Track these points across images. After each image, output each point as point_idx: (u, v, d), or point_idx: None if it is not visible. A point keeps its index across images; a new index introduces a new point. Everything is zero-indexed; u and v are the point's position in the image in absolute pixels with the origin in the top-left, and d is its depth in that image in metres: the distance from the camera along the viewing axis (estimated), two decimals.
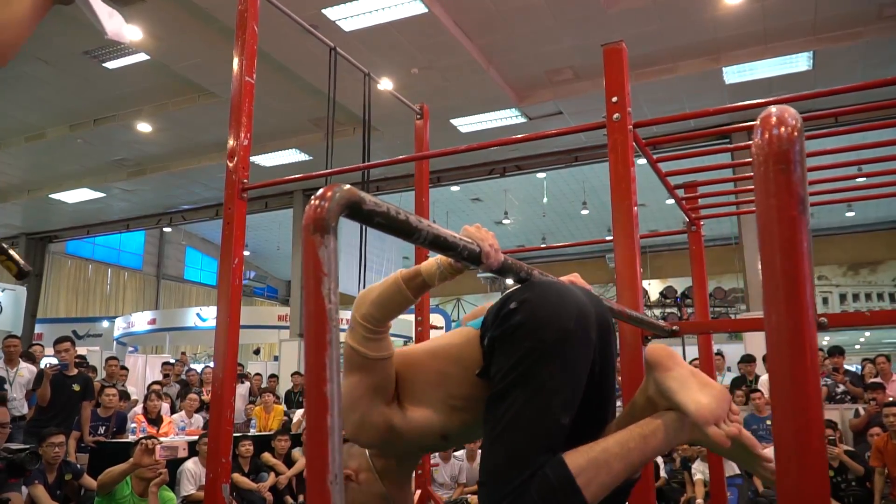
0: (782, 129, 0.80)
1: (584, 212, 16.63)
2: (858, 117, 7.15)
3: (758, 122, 0.82)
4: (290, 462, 6.66)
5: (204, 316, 15.22)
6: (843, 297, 20.19)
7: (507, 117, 9.93)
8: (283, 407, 8.62)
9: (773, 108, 0.82)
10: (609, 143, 2.77)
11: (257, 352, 19.51)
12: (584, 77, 8.95)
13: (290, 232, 14.16)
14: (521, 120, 9.99)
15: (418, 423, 1.51)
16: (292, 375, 10.18)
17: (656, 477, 6.36)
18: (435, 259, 1.48)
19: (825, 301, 19.93)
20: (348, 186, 0.99)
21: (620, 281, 2.57)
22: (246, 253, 19.92)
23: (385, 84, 8.57)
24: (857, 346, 22.65)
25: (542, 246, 18.39)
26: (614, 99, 2.84)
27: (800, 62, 8.36)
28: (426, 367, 1.56)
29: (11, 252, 1.27)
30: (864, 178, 4.05)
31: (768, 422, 6.77)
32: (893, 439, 5.14)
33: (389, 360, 1.51)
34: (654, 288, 20.40)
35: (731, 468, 6.09)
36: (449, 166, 11.47)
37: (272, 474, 6.40)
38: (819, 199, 4.16)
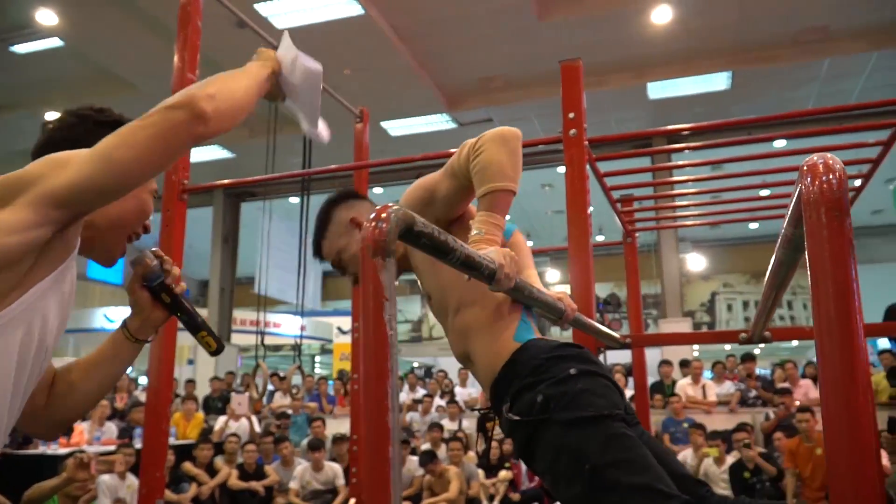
0: (831, 176, 0.82)
1: (506, 217, 16.85)
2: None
3: (805, 168, 0.83)
4: (212, 472, 6.43)
5: (112, 317, 14.53)
6: (745, 304, 21.26)
7: (438, 122, 9.96)
8: (202, 414, 8.33)
9: (816, 157, 0.84)
10: (566, 158, 2.81)
11: None
12: (515, 86, 9.07)
13: (203, 230, 13.69)
14: (452, 126, 10.04)
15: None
16: (211, 381, 9.85)
17: None
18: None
19: (729, 307, 20.92)
20: (403, 208, 0.97)
21: (576, 291, 2.61)
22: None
23: None
24: (757, 351, 23.88)
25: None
26: (571, 115, 2.88)
27: (719, 81, 8.76)
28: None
29: (212, 330, 1.24)
30: (767, 191, 4.25)
31: (685, 425, 7.04)
32: (805, 442, 5.42)
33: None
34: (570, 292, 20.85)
35: None
36: (377, 169, 11.37)
37: (194, 485, 6.17)
38: (726, 207, 4.38)
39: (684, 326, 9.74)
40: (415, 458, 6.58)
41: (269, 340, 17.12)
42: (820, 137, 4.52)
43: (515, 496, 6.50)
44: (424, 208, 1.55)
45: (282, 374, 9.33)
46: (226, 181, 3.59)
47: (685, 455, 6.34)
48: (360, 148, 5.00)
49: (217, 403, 9.24)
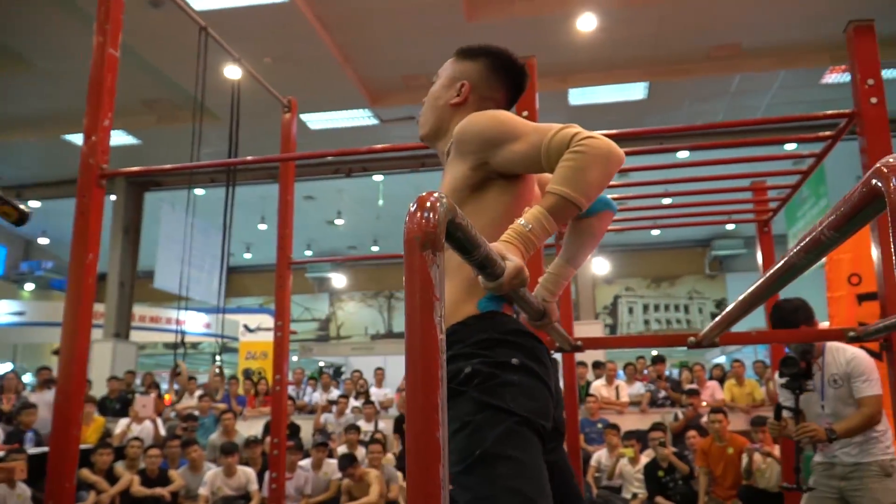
0: None
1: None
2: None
3: (885, 169, 0.79)
4: (112, 478, 6.03)
5: None
6: (645, 308, 22.13)
7: (359, 117, 9.77)
8: (102, 417, 7.82)
9: (892, 159, 0.80)
10: None
11: (56, 352, 17.67)
12: None
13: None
14: (373, 122, 9.88)
15: (457, 173, 1.50)
16: (109, 380, 9.27)
17: None
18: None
19: (630, 311, 21.71)
20: (446, 198, 0.88)
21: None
22: (44, 241, 17.98)
23: (232, 71, 8.08)
24: (655, 353, 24.95)
25: (386, 254, 18.30)
26: (525, 113, 2.84)
27: (636, 91, 9.01)
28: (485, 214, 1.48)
29: (9, 199, 1.04)
30: (669, 200, 4.38)
31: (599, 425, 7.19)
32: (717, 442, 5.62)
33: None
34: None
35: None
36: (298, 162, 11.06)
37: (92, 493, 5.76)
38: (634, 214, 4.50)
39: (597, 328, 9.98)
40: (332, 462, 6.41)
41: (169, 338, 16.39)
42: (730, 150, 4.69)
43: None
44: (487, 147, 1.42)
45: (190, 375, 8.90)
46: (152, 167, 3.34)
47: (600, 455, 6.46)
48: (287, 139, 4.80)
49: (115, 405, 8.71)
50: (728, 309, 1.92)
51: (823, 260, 5.51)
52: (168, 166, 3.38)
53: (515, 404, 1.30)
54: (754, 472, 5.15)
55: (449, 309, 1.43)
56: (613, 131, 3.58)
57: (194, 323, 14.52)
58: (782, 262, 1.25)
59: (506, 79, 1.65)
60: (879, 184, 0.79)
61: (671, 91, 9.00)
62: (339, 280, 20.05)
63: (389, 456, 6.74)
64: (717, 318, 2.16)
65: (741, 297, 1.66)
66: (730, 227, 16.84)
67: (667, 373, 9.12)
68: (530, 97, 2.85)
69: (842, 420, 2.92)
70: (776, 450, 5.04)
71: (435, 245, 0.83)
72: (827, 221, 0.98)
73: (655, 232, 19.18)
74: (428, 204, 0.87)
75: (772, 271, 1.32)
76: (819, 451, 3.06)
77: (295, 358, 16.70)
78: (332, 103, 9.36)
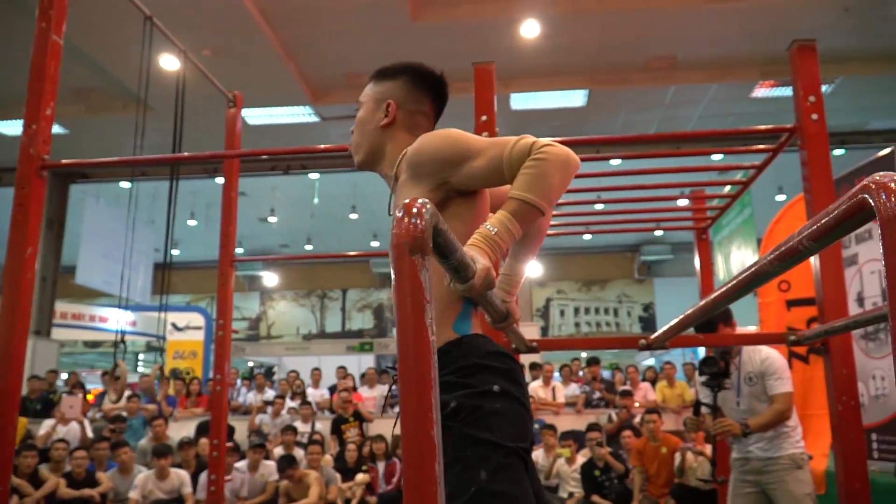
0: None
1: (353, 216, 16.63)
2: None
3: (871, 185, 0.84)
4: (36, 482, 5.77)
5: None
6: (576, 310, 22.61)
7: (299, 114, 9.65)
8: (24, 418, 7.46)
9: (878, 176, 0.85)
10: None
11: None
12: None
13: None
14: (314, 119, 9.77)
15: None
16: (29, 380, 8.85)
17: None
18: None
19: (562, 313, 22.14)
20: (430, 204, 0.89)
21: None
22: None
23: (168, 62, 7.86)
24: (584, 355, 25.54)
25: (325, 253, 18.06)
26: (483, 118, 2.88)
27: (577, 98, 9.20)
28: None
29: None
30: (602, 206, 4.50)
31: (536, 426, 7.31)
32: (651, 441, 5.80)
33: None
34: None
35: None
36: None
37: (15, 497, 5.50)
38: (568, 220, 4.61)
39: (534, 330, 10.13)
40: (269, 463, 6.30)
41: (92, 336, 15.75)
42: (662, 159, 4.86)
43: (372, 500, 6.41)
44: (446, 167, 1.43)
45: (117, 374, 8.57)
46: (96, 160, 3.22)
47: (537, 455, 6.57)
48: (231, 135, 4.70)
49: (36, 405, 8.33)
50: (687, 312, 1.99)
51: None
52: (113, 159, 3.27)
53: (502, 435, 1.33)
54: (686, 470, 5.34)
55: None
56: (572, 137, 3.66)
57: (120, 320, 14.01)
58: (753, 268, 1.31)
59: (428, 91, 1.69)
60: (868, 198, 0.84)
61: (610, 99, 9.23)
62: (270, 279, 19.69)
63: (328, 457, 6.68)
64: (671, 322, 2.24)
65: (702, 303, 1.73)
66: (658, 233, 17.38)
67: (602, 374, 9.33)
68: (488, 102, 2.88)
69: (755, 416, 3.09)
70: (708, 449, 5.23)
71: (423, 249, 0.85)
72: (807, 232, 1.04)
73: (587, 237, 19.64)
74: (414, 210, 0.88)
75: (740, 277, 1.38)
76: (735, 447, 3.22)
77: None
78: (273, 99, 9.21)
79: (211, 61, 8.17)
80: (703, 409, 3.22)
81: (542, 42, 8.11)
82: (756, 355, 3.19)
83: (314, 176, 13.97)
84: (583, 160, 3.54)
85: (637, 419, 7.03)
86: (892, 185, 0.84)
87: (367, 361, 13.03)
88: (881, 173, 0.87)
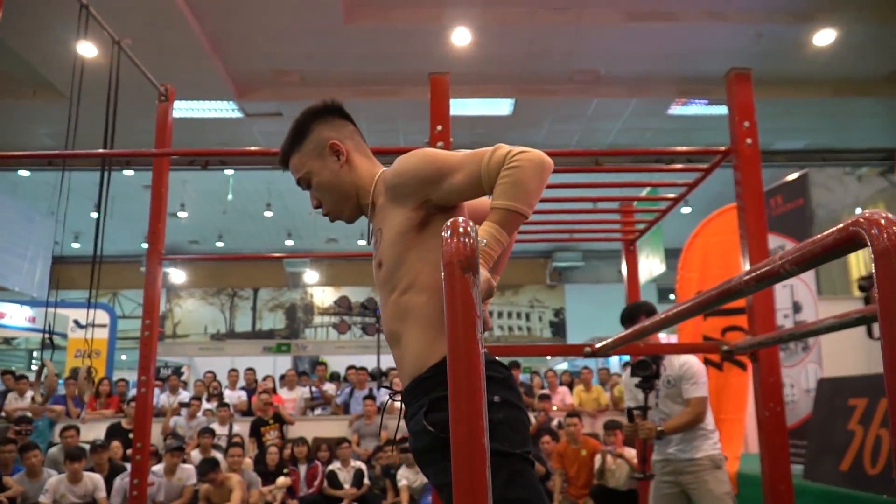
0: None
1: (268, 213, 16.29)
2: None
3: (862, 220, 0.95)
4: None
5: None
6: (499, 314, 23.02)
7: (223, 109, 9.40)
8: None
9: (868, 213, 0.96)
10: None
11: None
12: (310, 84, 8.88)
13: None
14: (237, 115, 9.54)
15: (395, 224, 1.56)
16: None
17: (359, 485, 6.53)
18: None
19: (539, 319, 22.48)
20: (471, 222, 0.94)
21: None
22: None
23: (87, 48, 7.50)
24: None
25: (237, 255, 17.56)
26: (439, 128, 2.93)
27: (503, 107, 9.39)
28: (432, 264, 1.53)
29: None
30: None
31: None
32: (571, 444, 5.99)
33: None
34: (328, 295, 20.90)
35: None
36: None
37: None
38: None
39: None
40: (186, 467, 6.12)
41: None
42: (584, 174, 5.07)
43: (293, 502, 6.34)
44: (426, 186, 1.47)
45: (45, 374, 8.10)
46: (22, 153, 3.06)
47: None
48: (162, 130, 4.57)
49: None
50: (642, 325, 2.11)
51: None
52: (44, 153, 3.12)
53: (509, 444, 1.38)
54: (606, 472, 5.55)
55: (423, 350, 1.49)
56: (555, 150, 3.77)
57: (16, 316, 13.26)
58: (725, 286, 1.41)
59: (340, 115, 1.71)
60: (862, 232, 0.95)
61: (535, 109, 9.46)
62: (177, 276, 18.98)
63: (247, 460, 6.55)
64: (621, 333, 2.35)
65: (663, 315, 1.84)
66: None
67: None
68: (444, 112, 2.93)
69: (670, 418, 3.29)
70: (626, 451, 5.46)
71: (473, 267, 0.89)
72: (790, 257, 1.14)
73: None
74: (461, 229, 0.92)
75: (711, 293, 1.49)
76: (657, 449, 3.42)
77: (124, 357, 15.69)
78: (195, 92, 8.94)
79: (131, 50, 7.86)
80: (636, 412, 3.38)
81: (472, 50, 8.23)
82: (676, 360, 3.39)
83: (229, 172, 13.59)
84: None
85: (555, 422, 7.24)
86: (882, 220, 0.95)
87: (282, 362, 12.80)
88: (871, 210, 0.98)
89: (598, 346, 2.68)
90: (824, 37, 7.88)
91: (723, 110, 9.30)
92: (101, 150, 3.65)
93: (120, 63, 4.36)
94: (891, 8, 7.50)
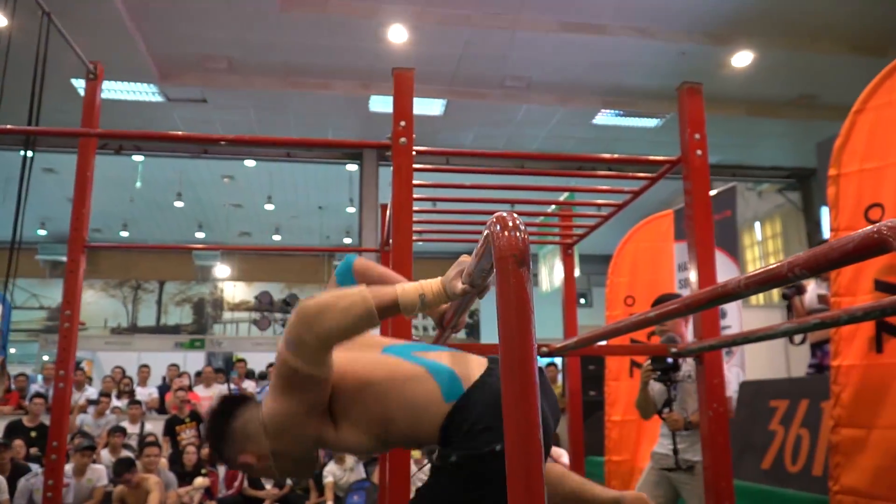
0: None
1: (179, 204, 15.68)
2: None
3: (884, 229, 1.00)
4: None
5: None
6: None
7: (143, 92, 8.98)
8: None
9: (890, 222, 1.02)
10: (394, 166, 2.84)
11: None
12: (238, 71, 8.62)
13: None
14: (159, 99, 9.14)
15: (349, 443, 1.47)
16: None
17: (280, 485, 6.39)
18: (415, 287, 1.40)
19: None
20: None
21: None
22: None
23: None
24: None
25: (143, 244, 16.83)
26: (402, 123, 2.91)
27: (435, 107, 9.40)
28: (371, 397, 1.47)
29: None
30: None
31: None
32: None
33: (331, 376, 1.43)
34: (239, 291, 20.35)
35: (359, 473, 6.46)
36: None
37: None
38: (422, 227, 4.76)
39: (377, 331, 10.16)
40: (98, 467, 5.82)
41: None
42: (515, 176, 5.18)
43: None
44: (308, 413, 1.43)
45: None
46: None
47: (414, 453, 6.61)
48: (90, 111, 4.34)
49: None
50: (593, 331, 2.15)
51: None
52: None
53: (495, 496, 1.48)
54: None
55: (427, 427, 1.49)
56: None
57: None
58: (720, 288, 1.46)
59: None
60: (889, 238, 1.00)
61: (465, 112, 9.52)
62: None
63: (163, 461, 6.29)
64: (595, 331, 2.41)
65: (653, 313, 1.88)
66: None
67: None
68: (407, 108, 2.91)
69: (692, 413, 3.34)
70: (555, 451, 5.57)
71: (527, 262, 0.89)
72: (801, 261, 1.19)
73: (419, 243, 19.97)
74: (510, 223, 0.91)
75: (702, 294, 1.54)
76: (661, 442, 3.48)
77: (13, 350, 14.78)
78: (114, 73, 8.49)
79: (46, 25, 7.40)
80: (665, 410, 3.41)
81: (408, 48, 8.21)
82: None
83: (138, 158, 12.99)
84: (447, 171, 3.64)
85: None
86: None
87: (192, 359, 12.35)
88: (891, 220, 1.04)
89: (556, 346, 2.73)
90: (742, 58, 8.31)
91: (645, 122, 9.67)
92: (26, 128, 3.42)
93: (29, 36, 4.10)
94: (803, 36, 7.99)
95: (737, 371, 4.00)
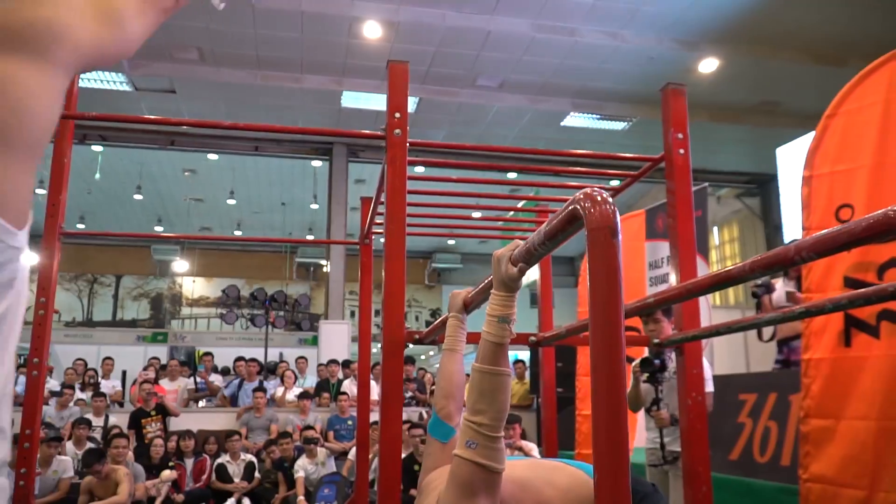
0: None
1: (137, 197, 15.40)
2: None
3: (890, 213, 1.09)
4: None
5: None
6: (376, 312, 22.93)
7: (111, 80, 8.83)
8: None
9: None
10: (388, 156, 2.87)
11: None
12: (209, 62, 8.53)
13: None
14: (125, 88, 8.99)
15: None
16: None
17: (249, 478, 6.36)
18: (489, 320, 1.39)
19: (353, 314, 22.28)
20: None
21: (388, 287, 2.70)
22: None
23: None
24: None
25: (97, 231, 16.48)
26: (397, 115, 2.94)
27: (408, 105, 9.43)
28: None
29: None
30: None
31: (349, 422, 7.38)
32: None
33: None
34: (199, 286, 20.07)
35: (330, 467, 6.46)
36: None
37: None
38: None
39: (343, 328, 10.17)
40: (63, 458, 5.72)
41: None
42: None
43: (179, 497, 6.06)
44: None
45: None
46: None
47: (354, 452, 6.63)
48: (69, 93, 4.26)
49: None
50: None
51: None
52: None
53: None
54: None
55: None
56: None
57: None
58: (724, 273, 1.54)
59: None
60: None
61: (437, 109, 9.58)
62: (30, 257, 17.52)
63: (130, 453, 6.20)
64: (571, 324, 2.48)
65: (652, 298, 1.96)
66: (451, 242, 18.20)
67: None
68: (402, 100, 2.95)
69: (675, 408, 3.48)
70: (525, 445, 5.67)
71: (618, 232, 0.95)
72: (808, 245, 1.28)
73: (382, 239, 19.84)
74: (599, 198, 0.97)
75: (705, 278, 1.62)
76: (647, 437, 3.62)
77: None
78: None
79: None
80: (653, 409, 3.51)
81: (382, 45, 8.24)
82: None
83: (97, 148, 12.72)
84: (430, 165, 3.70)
85: None
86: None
87: (153, 353, 12.11)
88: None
89: (541, 335, 2.80)
90: (708, 65, 8.55)
91: (613, 125, 9.85)
92: None
93: None
94: (767, 45, 8.25)
95: (707, 365, 4.13)
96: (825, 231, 1.26)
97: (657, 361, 3.47)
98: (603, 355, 0.91)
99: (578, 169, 3.68)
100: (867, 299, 1.78)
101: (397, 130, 2.90)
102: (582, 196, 0.96)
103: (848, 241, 1.21)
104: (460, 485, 1.27)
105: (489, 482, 1.27)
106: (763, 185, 12.42)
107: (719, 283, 1.60)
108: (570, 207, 1.03)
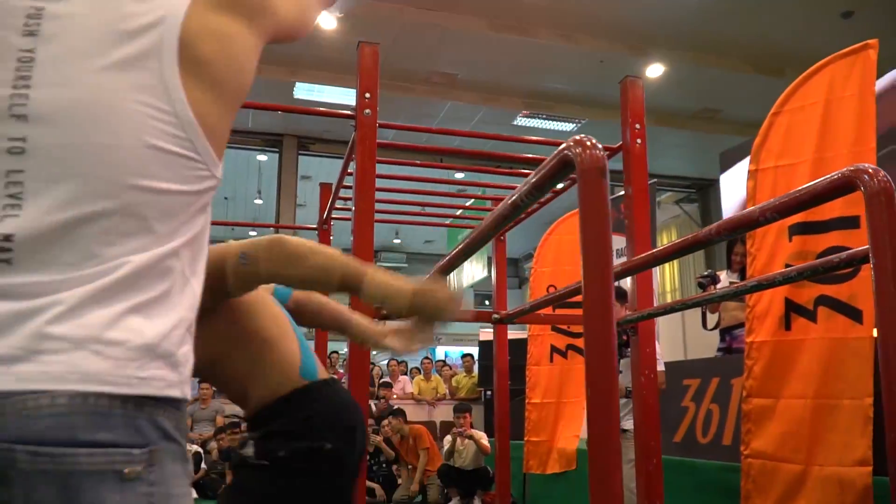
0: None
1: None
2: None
3: (855, 173, 1.22)
4: None
5: None
6: None
7: None
8: None
9: (858, 166, 1.23)
10: (358, 136, 2.92)
11: None
12: None
13: None
14: None
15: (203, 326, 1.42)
16: None
17: (196, 469, 6.28)
18: (383, 285, 1.32)
19: None
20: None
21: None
22: None
23: None
24: (345, 349, 25.52)
25: None
26: (367, 95, 3.00)
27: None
28: (252, 326, 1.50)
29: None
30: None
31: None
32: (401, 438, 6.21)
33: None
34: None
35: None
36: None
37: None
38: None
39: None
40: None
41: None
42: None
43: None
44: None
45: None
46: None
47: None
48: None
49: None
50: (546, 296, 2.34)
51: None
52: None
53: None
54: (455, 452, 5.80)
55: (272, 390, 1.51)
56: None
57: None
58: (692, 237, 1.66)
59: None
60: (856, 179, 1.21)
61: (389, 105, 9.59)
62: None
63: None
64: (551, 295, 2.58)
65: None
66: (396, 241, 18.21)
67: None
68: (372, 81, 3.01)
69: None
70: (475, 433, 5.76)
71: (606, 172, 1.03)
72: (773, 206, 1.40)
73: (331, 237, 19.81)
74: (588, 143, 1.05)
75: (674, 244, 1.73)
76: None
77: None
78: None
79: None
80: None
81: (336, 37, 8.23)
82: None
83: None
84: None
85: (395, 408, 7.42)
86: (871, 170, 1.23)
87: None
88: (855, 165, 1.25)
89: (503, 313, 2.90)
90: (655, 70, 8.84)
91: (562, 126, 10.07)
92: None
93: None
94: (709, 53, 8.58)
95: (658, 346, 4.31)
96: (788, 193, 1.37)
97: (624, 337, 3.63)
98: (594, 299, 0.98)
99: (525, 170, 3.79)
100: (815, 270, 1.93)
101: (367, 110, 2.96)
102: (572, 143, 1.04)
103: (810, 200, 1.33)
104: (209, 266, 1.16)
105: (217, 292, 1.24)
106: (702, 190, 12.86)
107: (686, 247, 1.71)
108: (560, 154, 1.10)
